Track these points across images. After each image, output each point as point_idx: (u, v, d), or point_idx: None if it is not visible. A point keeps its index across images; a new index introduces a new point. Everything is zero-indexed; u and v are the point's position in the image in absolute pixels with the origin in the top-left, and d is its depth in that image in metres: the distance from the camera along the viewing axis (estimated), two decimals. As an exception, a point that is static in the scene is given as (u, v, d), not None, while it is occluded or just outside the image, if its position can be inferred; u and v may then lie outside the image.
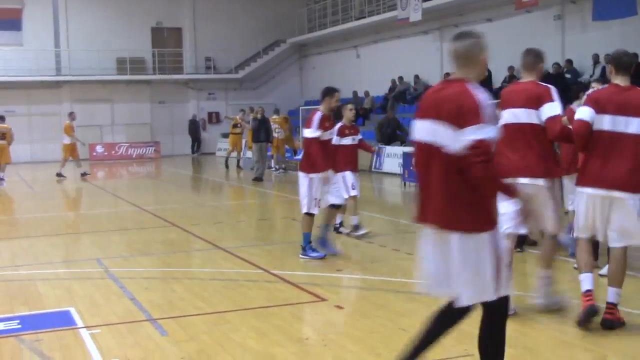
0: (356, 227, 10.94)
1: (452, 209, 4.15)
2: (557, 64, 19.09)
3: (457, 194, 4.13)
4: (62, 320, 6.67)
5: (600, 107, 5.91)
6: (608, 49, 14.44)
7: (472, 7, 23.21)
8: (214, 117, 35.10)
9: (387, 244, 10.32)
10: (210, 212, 15.48)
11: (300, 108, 29.25)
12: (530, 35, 20.77)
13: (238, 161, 26.06)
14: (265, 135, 21.22)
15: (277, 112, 25.20)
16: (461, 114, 4.06)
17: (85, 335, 6.16)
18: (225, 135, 29.47)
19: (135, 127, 33.88)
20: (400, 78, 27.10)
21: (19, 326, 6.51)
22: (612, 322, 5.86)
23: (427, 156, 4.25)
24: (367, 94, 28.61)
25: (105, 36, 32.44)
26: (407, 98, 26.40)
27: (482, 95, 4.13)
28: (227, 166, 25.86)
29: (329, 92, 9.52)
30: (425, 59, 26.12)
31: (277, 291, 7.73)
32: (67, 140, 23.06)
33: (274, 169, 23.67)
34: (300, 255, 9.29)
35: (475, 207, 4.16)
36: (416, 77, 26.30)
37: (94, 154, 31.98)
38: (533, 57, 6.78)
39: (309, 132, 9.27)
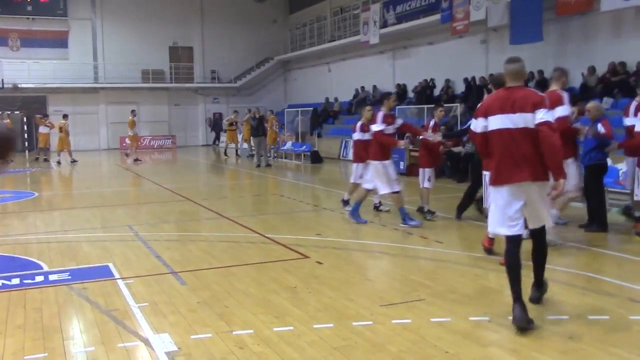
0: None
1: (538, 166, 4.62)
2: (482, 77, 19.09)
3: (537, 157, 4.61)
4: (103, 272, 6.56)
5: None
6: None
7: (417, 34, 23.09)
8: (218, 117, 34.80)
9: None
10: (216, 190, 15.33)
11: (285, 110, 29.01)
12: (462, 55, 20.80)
13: (236, 151, 25.83)
14: (262, 131, 21.10)
15: (272, 112, 25.10)
16: (534, 103, 4.61)
17: (121, 285, 6.06)
18: (225, 131, 29.24)
19: (156, 124, 33.48)
20: (362, 87, 26.96)
21: (69, 277, 6.39)
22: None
23: (508, 137, 4.65)
24: (336, 99, 28.46)
25: (133, 52, 32.11)
26: (367, 103, 26.21)
27: (541, 93, 4.77)
28: (225, 154, 25.80)
29: (386, 95, 9.04)
30: (381, 73, 25.97)
31: (270, 250, 7.65)
32: (131, 132, 23.54)
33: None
34: (401, 225, 8.76)
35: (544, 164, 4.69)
36: (374, 87, 26.18)
37: (124, 144, 31.47)
38: (560, 72, 7.13)
39: (375, 127, 8.62)
